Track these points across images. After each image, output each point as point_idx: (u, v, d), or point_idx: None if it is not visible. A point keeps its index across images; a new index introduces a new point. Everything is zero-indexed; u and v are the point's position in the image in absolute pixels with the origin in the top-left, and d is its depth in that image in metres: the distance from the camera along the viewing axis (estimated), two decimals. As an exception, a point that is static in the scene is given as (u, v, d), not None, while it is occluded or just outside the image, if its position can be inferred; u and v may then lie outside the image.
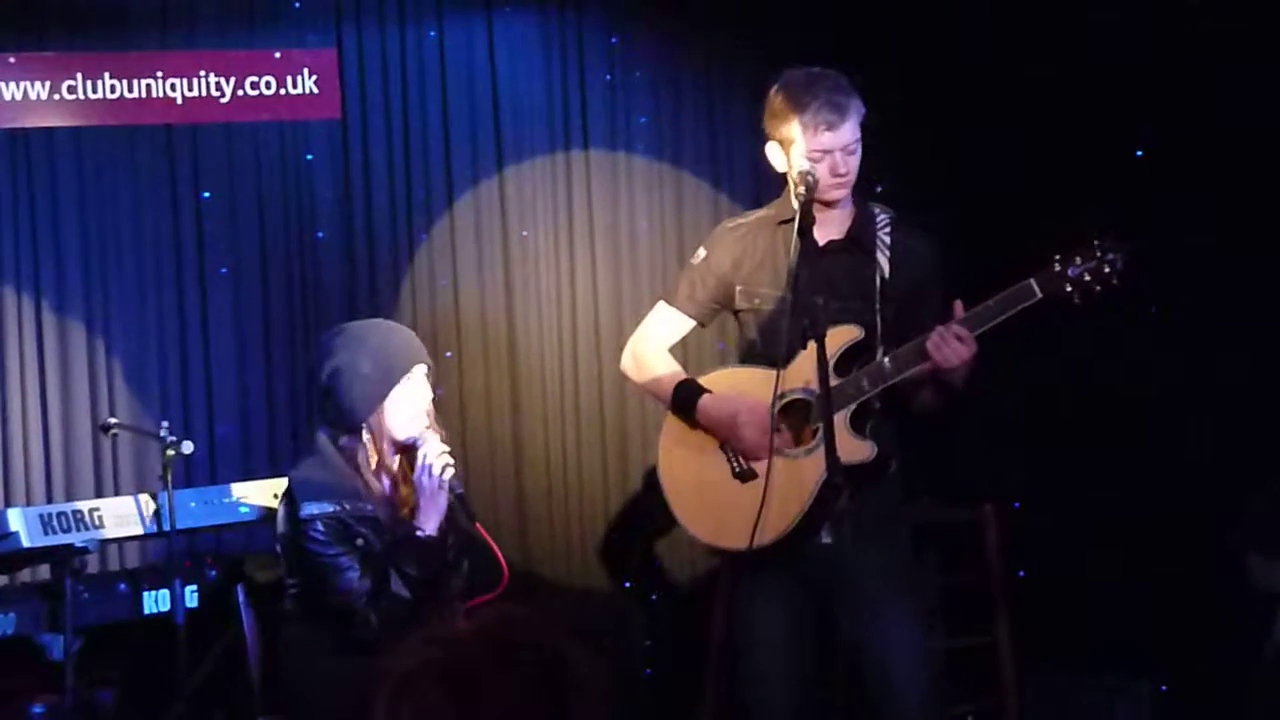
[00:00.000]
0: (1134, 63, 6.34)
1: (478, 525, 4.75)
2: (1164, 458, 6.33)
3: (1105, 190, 6.23)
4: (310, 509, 4.66)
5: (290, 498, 4.74)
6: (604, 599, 6.90)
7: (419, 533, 4.69)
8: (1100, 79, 6.47)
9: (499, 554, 4.72)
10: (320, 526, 4.65)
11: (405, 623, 4.64)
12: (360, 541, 4.67)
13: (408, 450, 4.81)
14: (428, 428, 4.78)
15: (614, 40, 7.03)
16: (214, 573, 5.70)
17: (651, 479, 4.99)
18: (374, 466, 4.77)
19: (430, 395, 4.82)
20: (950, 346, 4.49)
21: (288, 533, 4.73)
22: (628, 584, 6.97)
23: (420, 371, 4.80)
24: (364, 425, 4.74)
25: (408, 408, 4.75)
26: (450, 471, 4.69)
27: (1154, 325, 6.43)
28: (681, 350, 5.32)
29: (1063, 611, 6.51)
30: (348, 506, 4.68)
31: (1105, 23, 6.38)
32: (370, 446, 4.76)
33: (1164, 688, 6.36)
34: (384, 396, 4.72)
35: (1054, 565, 6.64)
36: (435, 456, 4.70)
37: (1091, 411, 6.61)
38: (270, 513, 4.93)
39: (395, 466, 4.83)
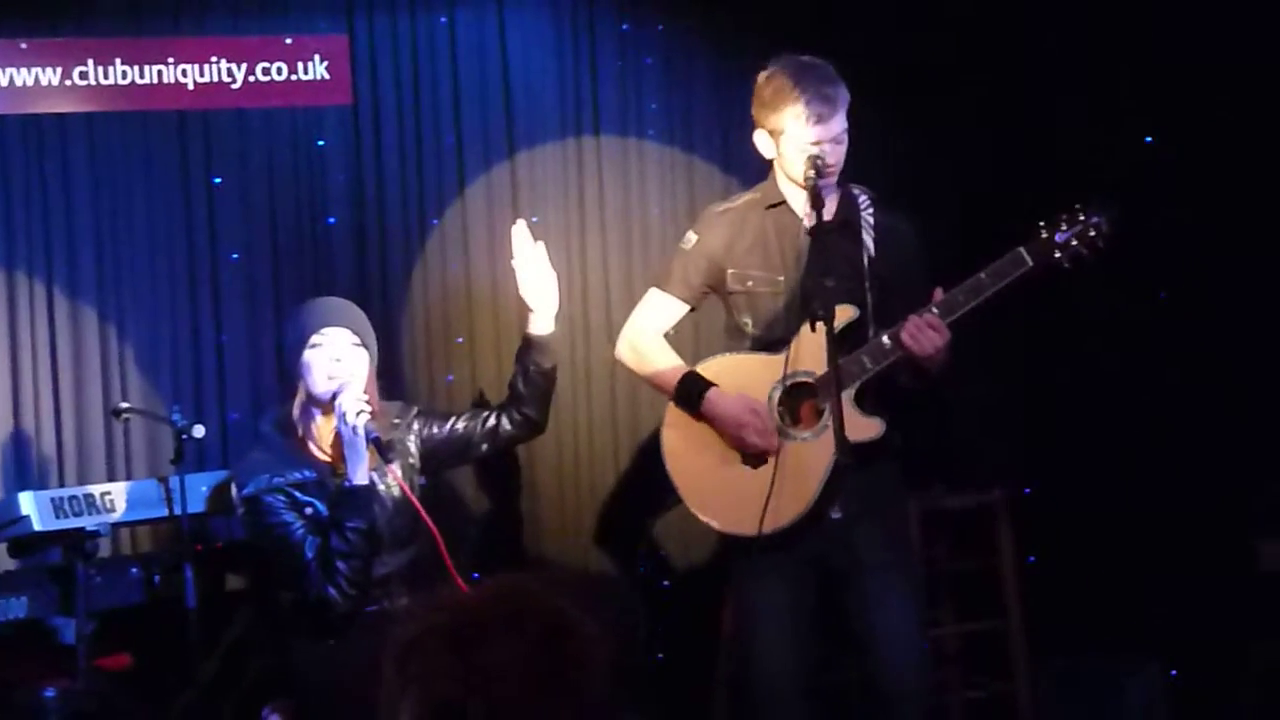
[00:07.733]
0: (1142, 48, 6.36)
1: (396, 477, 4.81)
2: (1174, 443, 6.34)
3: (1113, 177, 6.25)
4: (250, 488, 4.82)
5: (235, 485, 4.86)
6: (614, 584, 6.89)
7: (346, 483, 4.76)
8: (1109, 65, 6.49)
9: (421, 509, 4.80)
10: (266, 500, 4.79)
11: (363, 580, 4.71)
12: (309, 510, 4.77)
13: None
14: (348, 384, 4.84)
15: (625, 27, 7.02)
16: (224, 558, 5.71)
17: (659, 465, 5.00)
18: (301, 422, 4.93)
19: (351, 358, 4.93)
20: (925, 335, 4.52)
21: (242, 518, 4.83)
22: (640, 569, 6.96)
23: (334, 335, 4.91)
24: (297, 389, 4.93)
25: (319, 369, 4.90)
26: (365, 418, 4.74)
27: (1164, 311, 6.45)
28: (693, 331, 5.32)
29: (1073, 596, 6.52)
30: (287, 476, 4.78)
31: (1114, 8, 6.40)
32: (299, 408, 4.93)
33: (1174, 672, 6.38)
34: (299, 359, 4.90)
35: (1064, 550, 6.65)
36: (349, 404, 4.76)
37: (1101, 397, 6.62)
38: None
39: (324, 426, 4.96)
